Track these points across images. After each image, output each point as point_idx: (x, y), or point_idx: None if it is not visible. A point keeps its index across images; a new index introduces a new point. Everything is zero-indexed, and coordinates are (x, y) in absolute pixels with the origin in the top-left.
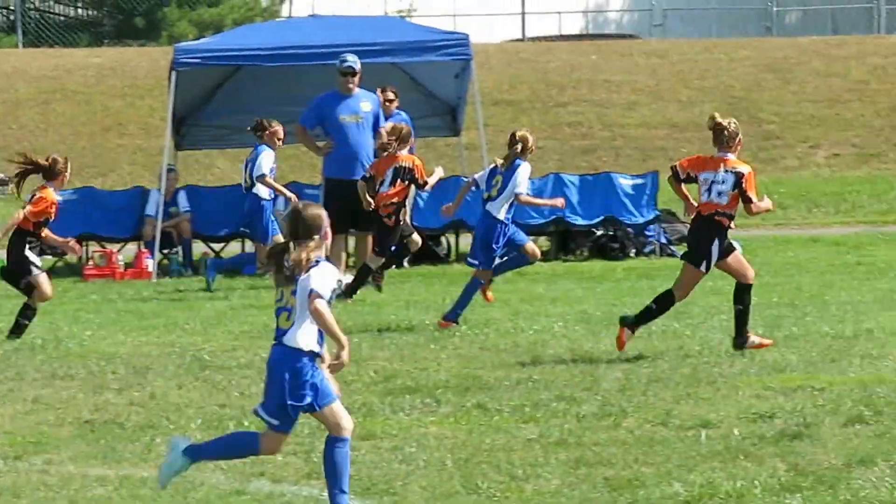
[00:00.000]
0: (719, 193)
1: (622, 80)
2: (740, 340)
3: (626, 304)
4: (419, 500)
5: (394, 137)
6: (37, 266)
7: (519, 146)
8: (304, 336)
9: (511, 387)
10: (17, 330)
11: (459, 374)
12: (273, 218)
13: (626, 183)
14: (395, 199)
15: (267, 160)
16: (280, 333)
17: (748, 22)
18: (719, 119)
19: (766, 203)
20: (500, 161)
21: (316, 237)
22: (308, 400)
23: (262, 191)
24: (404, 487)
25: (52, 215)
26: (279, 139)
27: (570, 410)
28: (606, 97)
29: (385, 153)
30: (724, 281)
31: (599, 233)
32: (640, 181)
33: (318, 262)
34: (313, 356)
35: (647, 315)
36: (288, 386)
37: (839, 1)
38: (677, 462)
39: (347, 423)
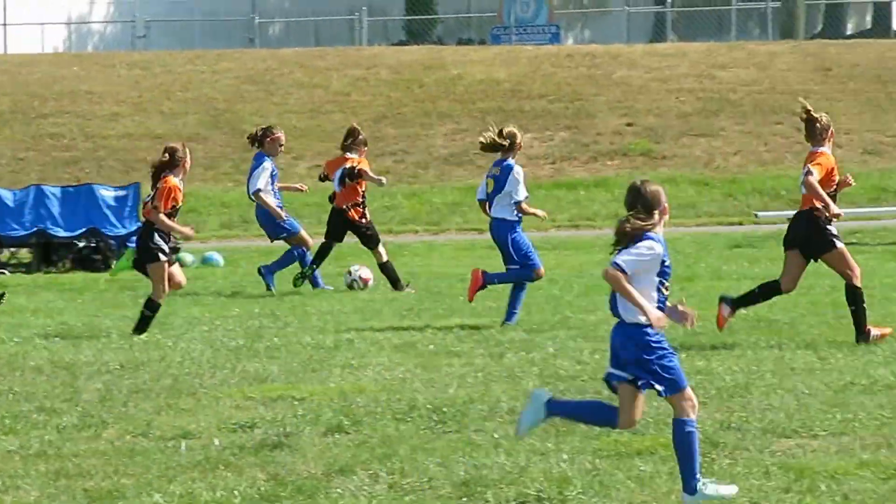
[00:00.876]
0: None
1: (104, 92)
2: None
3: (108, 315)
4: None
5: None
6: (165, 253)
7: (507, 142)
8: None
9: None
10: (143, 324)
11: None
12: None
13: (108, 195)
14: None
15: (264, 175)
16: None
17: (232, 33)
18: (813, 112)
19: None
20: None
21: (655, 212)
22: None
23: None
24: None
25: (180, 201)
26: (281, 145)
27: (51, 422)
28: (89, 109)
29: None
30: (206, 292)
31: (82, 244)
32: (122, 193)
33: (646, 237)
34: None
35: (749, 298)
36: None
37: (322, 13)
38: (157, 473)
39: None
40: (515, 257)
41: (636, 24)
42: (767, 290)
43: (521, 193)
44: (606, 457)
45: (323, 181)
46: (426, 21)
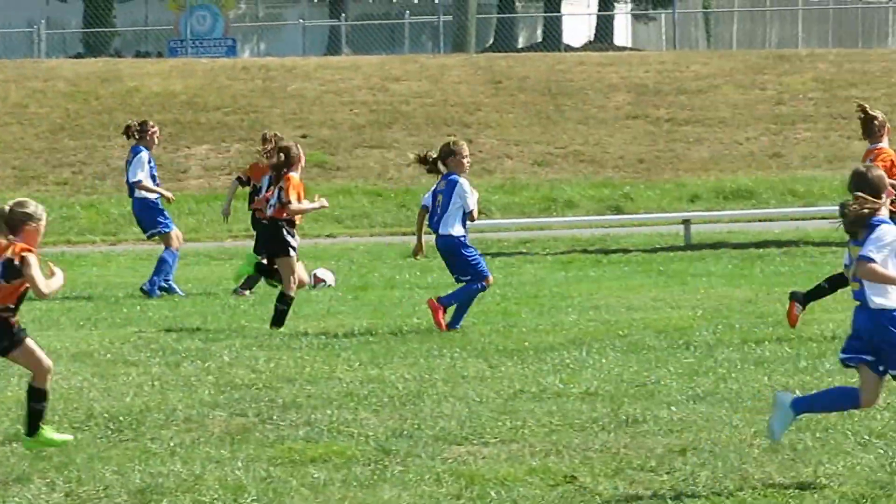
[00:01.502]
0: None
1: None
2: None
3: None
4: None
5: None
6: (294, 248)
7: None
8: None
9: None
10: (279, 319)
11: None
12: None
13: None
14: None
15: (144, 166)
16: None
17: None
18: (870, 109)
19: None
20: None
21: (882, 195)
22: None
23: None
24: None
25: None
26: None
27: None
28: None
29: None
30: None
31: None
32: None
33: (880, 222)
34: None
35: (817, 292)
36: None
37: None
38: None
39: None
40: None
41: (312, 37)
42: (835, 283)
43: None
44: (281, 464)
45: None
46: (104, 34)
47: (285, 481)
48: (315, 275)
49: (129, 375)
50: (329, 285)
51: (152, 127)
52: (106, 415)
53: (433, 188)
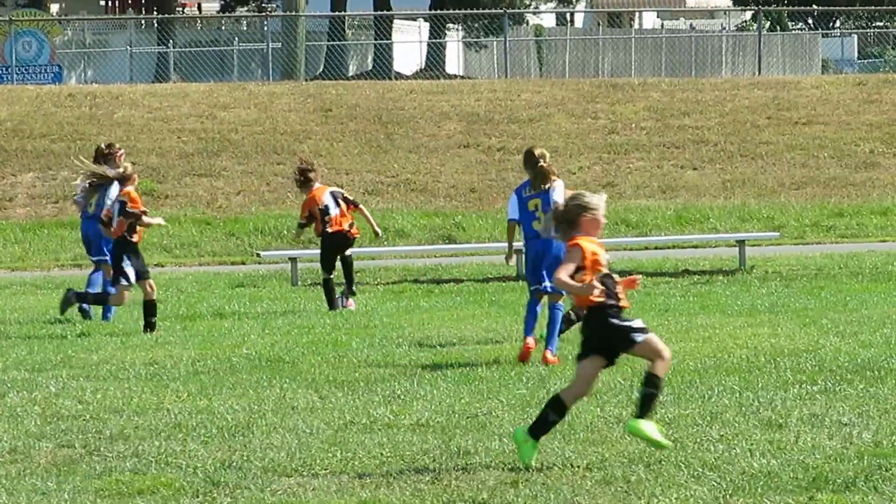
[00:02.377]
0: None
1: None
2: None
3: None
4: None
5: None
6: None
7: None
8: None
9: None
10: None
11: None
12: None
13: None
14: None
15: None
16: None
17: None
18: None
19: None
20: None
21: None
22: None
23: None
24: None
25: None
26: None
27: None
28: None
29: None
30: None
31: None
32: None
33: None
34: None
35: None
36: None
37: None
38: None
39: None
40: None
41: (139, 64)
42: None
43: None
44: (108, 496)
45: None
46: None
47: None
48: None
49: None
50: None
51: (118, 150)
52: None
53: (518, 198)
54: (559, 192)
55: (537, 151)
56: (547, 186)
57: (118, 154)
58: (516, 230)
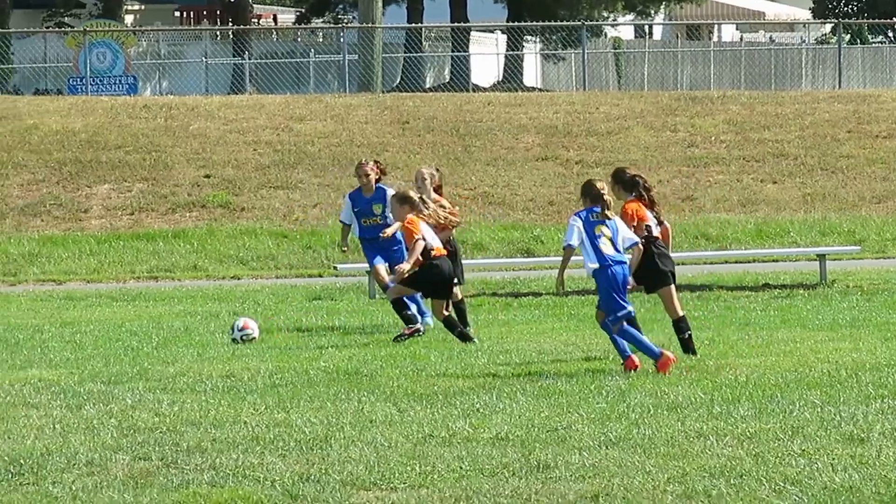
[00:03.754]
0: None
1: None
2: None
3: None
4: None
5: None
6: None
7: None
8: None
9: None
10: None
11: None
12: None
13: None
14: None
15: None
16: None
17: None
18: None
19: None
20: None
21: None
22: None
23: None
24: None
25: None
26: None
27: None
28: None
29: None
30: None
31: None
32: None
33: None
34: None
35: None
36: None
37: None
38: None
39: None
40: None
41: (215, 75)
42: None
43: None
44: None
45: None
46: (2, 70)
47: None
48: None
49: (29, 418)
50: (253, 337)
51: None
52: (6, 458)
53: (579, 225)
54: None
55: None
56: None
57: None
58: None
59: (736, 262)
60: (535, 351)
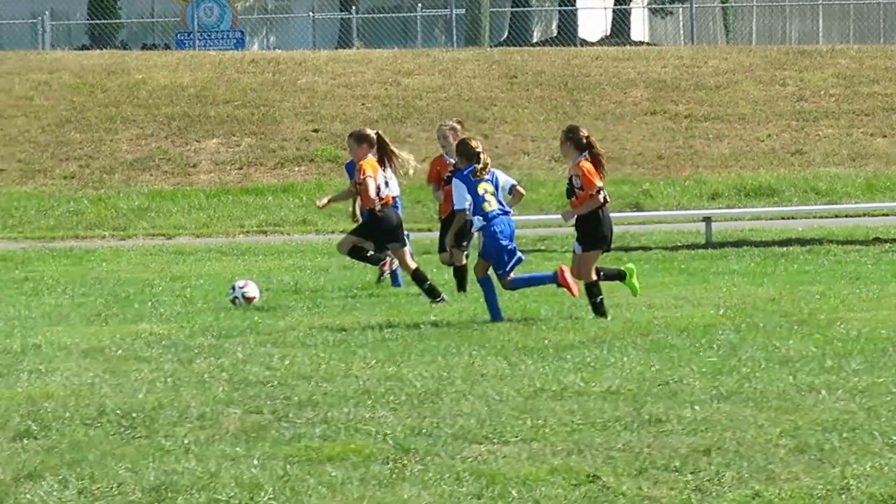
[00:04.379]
0: None
1: None
2: None
3: None
4: None
5: None
6: None
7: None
8: None
9: None
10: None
11: None
12: None
13: None
14: None
15: None
16: None
17: None
18: None
19: None
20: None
21: None
22: None
23: None
24: None
25: None
26: None
27: None
28: None
29: None
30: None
31: None
32: None
33: None
34: None
35: None
36: None
37: (3, 16)
38: None
39: None
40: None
41: (322, 30)
42: None
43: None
44: (297, 462)
45: None
46: (109, 25)
47: (302, 479)
48: (245, 294)
49: (141, 372)
50: (252, 297)
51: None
52: (118, 411)
53: (464, 189)
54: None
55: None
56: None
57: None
58: None
59: (846, 217)
60: (646, 305)
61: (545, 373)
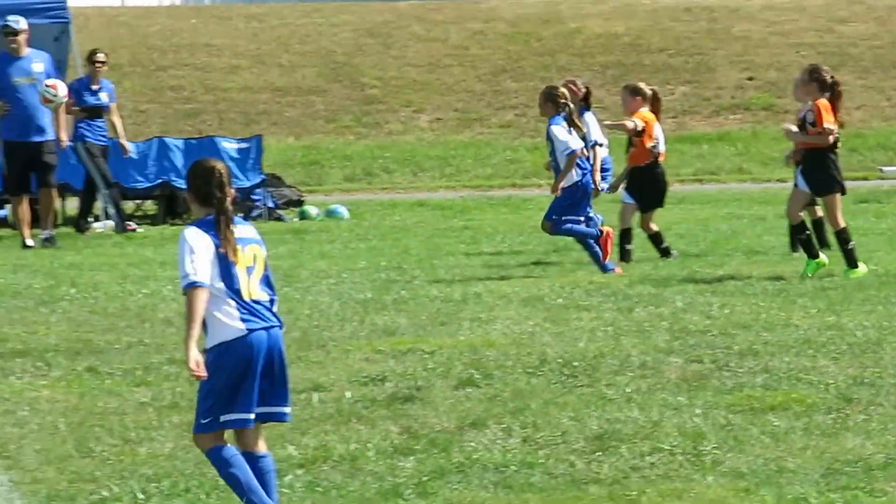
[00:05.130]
0: None
1: (223, 45)
2: None
3: None
4: (33, 464)
5: None
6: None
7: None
8: None
9: (122, 350)
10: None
11: (70, 337)
12: None
13: (230, 147)
14: None
15: None
16: None
17: None
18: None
19: None
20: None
21: None
22: None
23: None
24: (18, 451)
25: None
26: None
27: (182, 373)
28: (208, 61)
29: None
30: (332, 245)
31: None
32: (244, 145)
33: None
34: None
35: None
36: None
37: None
38: (290, 426)
39: None
40: None
41: None
42: None
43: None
44: (740, 412)
45: None
46: None
47: (745, 429)
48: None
49: (581, 320)
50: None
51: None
52: (559, 360)
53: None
54: None
55: None
56: None
57: None
58: None
59: None
60: None
61: None
